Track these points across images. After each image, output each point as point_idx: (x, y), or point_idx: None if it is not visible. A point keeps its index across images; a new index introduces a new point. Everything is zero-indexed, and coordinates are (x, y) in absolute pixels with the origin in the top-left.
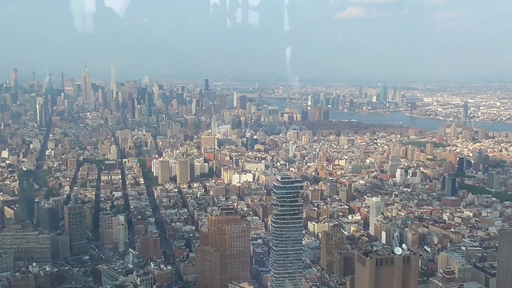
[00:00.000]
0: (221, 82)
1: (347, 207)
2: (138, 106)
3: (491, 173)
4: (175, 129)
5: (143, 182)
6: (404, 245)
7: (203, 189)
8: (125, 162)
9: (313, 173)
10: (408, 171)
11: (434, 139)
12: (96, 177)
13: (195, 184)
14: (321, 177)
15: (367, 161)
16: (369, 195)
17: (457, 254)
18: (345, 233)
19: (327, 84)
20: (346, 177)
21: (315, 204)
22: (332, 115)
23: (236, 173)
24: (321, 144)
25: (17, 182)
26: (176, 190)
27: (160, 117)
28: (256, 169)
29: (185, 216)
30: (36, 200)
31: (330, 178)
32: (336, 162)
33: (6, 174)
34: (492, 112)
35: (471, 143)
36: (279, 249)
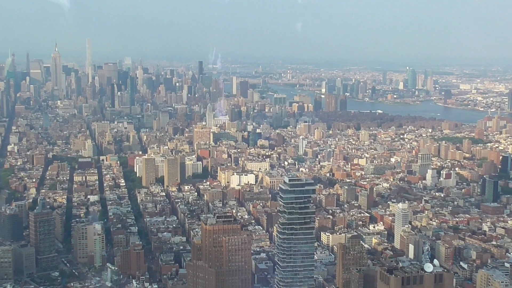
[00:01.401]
0: (217, 65)
1: (368, 215)
2: (119, 93)
3: None
4: (163, 120)
5: (124, 184)
6: (435, 261)
7: (196, 193)
8: (103, 160)
9: (328, 174)
10: (441, 172)
11: (473, 134)
12: (67, 178)
13: (186, 187)
14: (337, 179)
15: (392, 160)
16: (394, 200)
17: (500, 272)
18: (366, 246)
19: (345, 68)
20: (367, 179)
21: (330, 211)
22: (351, 104)
23: (235, 173)
24: (337, 139)
25: None
26: (164, 193)
27: (144, 107)
28: (259, 169)
29: (174, 225)
30: None
31: (348, 180)
32: (355, 161)
33: None
34: None
35: None
36: (286, 265)
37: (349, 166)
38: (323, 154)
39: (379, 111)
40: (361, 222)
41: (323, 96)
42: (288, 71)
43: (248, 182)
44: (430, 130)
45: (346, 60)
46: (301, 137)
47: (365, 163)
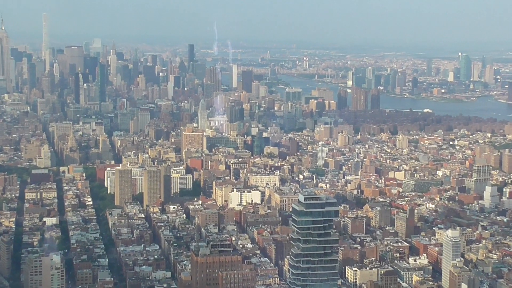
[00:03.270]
0: (213, 49)
1: (407, 244)
2: (85, 85)
3: None
4: (142, 121)
5: (91, 202)
6: None
7: (184, 215)
8: (64, 171)
9: (355, 192)
10: (504, 189)
11: None
12: (17, 195)
13: (171, 207)
14: (366, 198)
15: (439, 173)
16: (442, 226)
17: None
18: (404, 284)
19: (378, 54)
20: (406, 199)
21: (358, 239)
22: (385, 101)
23: (235, 190)
24: (367, 146)
25: None
26: (143, 215)
27: (118, 103)
28: (267, 184)
29: (155, 256)
30: None
31: (381, 199)
32: (391, 174)
33: None
34: None
35: None
36: None
37: (383, 181)
38: (349, 165)
39: (427, 110)
40: (398, 253)
41: (349, 90)
42: (304, 58)
43: (252, 201)
44: (489, 135)
45: (380, 44)
46: (320, 143)
47: (404, 177)
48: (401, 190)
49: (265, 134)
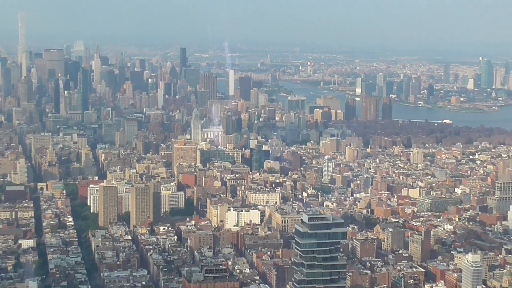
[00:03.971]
0: (208, 53)
1: (423, 270)
2: (66, 92)
3: None
4: (129, 132)
5: (72, 223)
6: None
7: (176, 236)
8: (42, 188)
9: (365, 211)
10: None
11: None
12: None
13: (161, 228)
14: (377, 218)
15: (458, 191)
16: (461, 250)
17: None
18: None
19: (390, 59)
20: (421, 219)
21: (368, 264)
22: (398, 111)
23: (232, 209)
24: (378, 161)
25: None
26: (129, 237)
27: (103, 112)
28: (267, 202)
29: (143, 283)
30: None
31: (394, 219)
32: (404, 192)
33: None
34: None
35: None
36: None
37: (395, 199)
38: (358, 181)
39: (446, 121)
40: (412, 280)
41: (357, 98)
42: (309, 63)
43: (251, 221)
44: None
45: (392, 48)
46: (326, 157)
47: (419, 195)
48: (415, 209)
49: (265, 147)
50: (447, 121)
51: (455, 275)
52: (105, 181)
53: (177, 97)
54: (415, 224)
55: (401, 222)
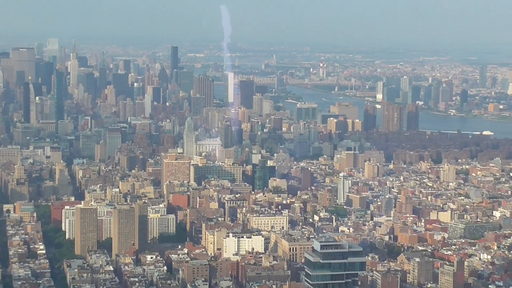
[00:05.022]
0: (203, 53)
1: None
2: (37, 98)
3: None
4: (111, 145)
5: (44, 251)
6: None
7: (165, 267)
8: (8, 210)
9: (386, 237)
10: None
11: None
12: None
13: (148, 257)
14: (402, 246)
15: (497, 214)
16: (500, 283)
17: None
18: None
19: (416, 59)
20: (453, 247)
21: None
22: (426, 120)
23: (231, 234)
24: (402, 178)
25: None
26: (111, 267)
27: (81, 121)
28: (272, 227)
29: None
30: None
31: (421, 247)
32: (433, 215)
33: None
34: None
35: None
36: None
37: (423, 223)
38: (379, 203)
39: (487, 133)
40: None
41: (378, 106)
42: (321, 65)
43: (253, 249)
44: None
45: (418, 47)
46: (341, 174)
47: (450, 219)
48: (446, 236)
49: (269, 163)
50: (487, 132)
51: None
52: (82, 202)
53: (167, 104)
54: (446, 253)
55: (429, 250)
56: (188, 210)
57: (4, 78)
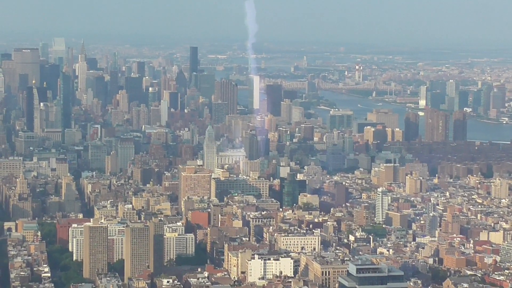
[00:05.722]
0: (226, 54)
1: None
2: (41, 104)
3: None
4: (123, 157)
5: (49, 274)
6: None
7: None
8: (10, 228)
9: (431, 260)
10: None
11: None
12: None
13: (165, 281)
14: (448, 270)
15: None
16: None
17: None
18: None
19: (463, 61)
20: (507, 271)
21: None
22: (475, 129)
23: (257, 256)
24: (448, 194)
25: None
26: None
27: (90, 130)
28: (302, 248)
29: None
30: None
31: (470, 272)
32: (483, 236)
33: None
34: None
35: None
36: None
37: (472, 245)
38: (422, 222)
39: None
40: None
41: (421, 113)
42: (357, 67)
43: (281, 272)
44: None
45: (466, 47)
46: (380, 189)
47: (503, 240)
48: (498, 259)
49: (299, 177)
50: None
51: None
52: (91, 219)
53: (185, 111)
54: (498, 278)
55: (479, 275)
56: (208, 229)
57: (5, 82)
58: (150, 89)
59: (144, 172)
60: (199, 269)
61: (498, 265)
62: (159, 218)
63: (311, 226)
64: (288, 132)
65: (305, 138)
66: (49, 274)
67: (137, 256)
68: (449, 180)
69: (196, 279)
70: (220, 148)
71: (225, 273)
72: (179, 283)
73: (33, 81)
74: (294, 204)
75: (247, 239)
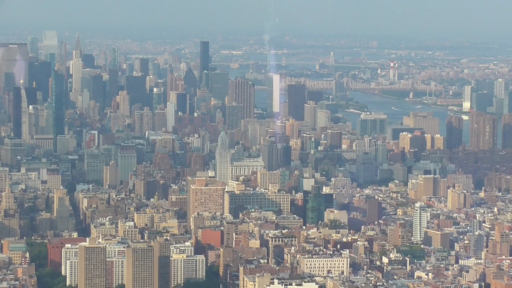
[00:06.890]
0: (241, 50)
1: None
2: (30, 107)
3: None
4: (124, 167)
5: None
6: None
7: None
8: None
9: (476, 285)
10: None
11: None
12: None
13: None
14: None
15: None
16: None
17: None
18: None
19: None
20: None
21: None
22: None
23: (277, 281)
24: (496, 210)
25: None
26: None
27: (86, 137)
28: (329, 271)
29: None
30: None
31: None
32: None
33: None
34: None
35: None
36: None
37: None
38: (466, 241)
39: None
40: None
41: (465, 117)
42: (391, 64)
43: None
44: None
45: None
46: (418, 204)
47: None
48: None
49: (326, 190)
50: None
51: None
52: (88, 239)
53: (195, 114)
54: None
55: None
56: (221, 249)
57: None
58: (155, 89)
59: (148, 185)
60: None
61: None
62: (165, 238)
63: (338, 246)
64: (313, 139)
65: (332, 146)
66: None
67: (140, 280)
68: (498, 194)
69: None
70: (235, 157)
71: None
72: None
73: (21, 81)
74: (320, 222)
75: (266, 261)
